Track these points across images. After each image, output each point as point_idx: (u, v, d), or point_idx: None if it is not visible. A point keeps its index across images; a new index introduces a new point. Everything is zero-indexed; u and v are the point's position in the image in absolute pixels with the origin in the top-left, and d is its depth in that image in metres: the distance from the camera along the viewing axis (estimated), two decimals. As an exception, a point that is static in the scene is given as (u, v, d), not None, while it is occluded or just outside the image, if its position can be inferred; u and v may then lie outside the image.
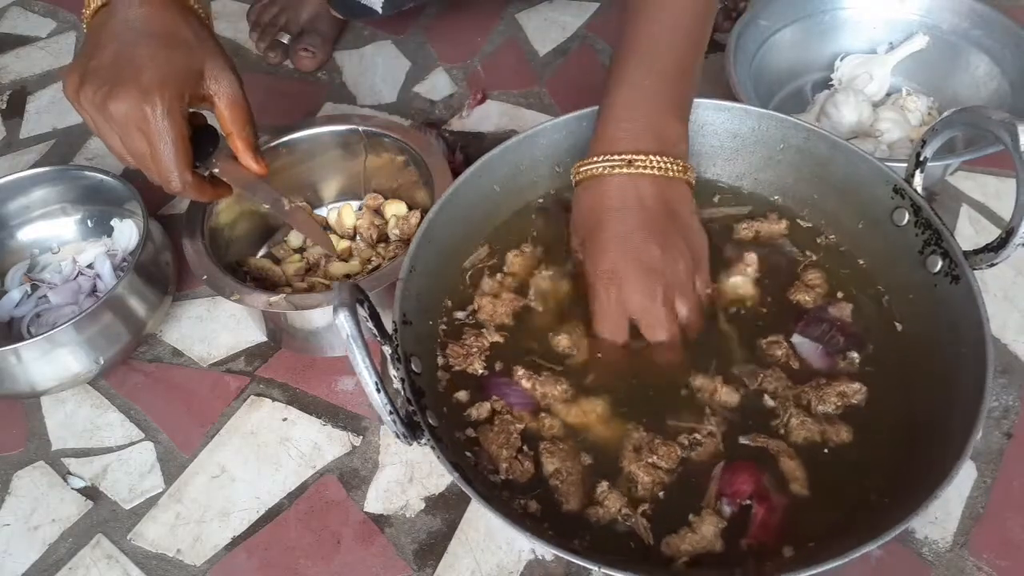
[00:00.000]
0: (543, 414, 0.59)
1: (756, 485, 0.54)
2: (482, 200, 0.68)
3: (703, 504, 0.55)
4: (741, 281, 0.65)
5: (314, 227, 0.72)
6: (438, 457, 0.51)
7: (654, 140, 0.61)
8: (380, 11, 0.95)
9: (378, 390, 0.47)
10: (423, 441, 0.51)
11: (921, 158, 0.60)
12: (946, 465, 0.49)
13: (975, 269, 0.56)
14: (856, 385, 0.58)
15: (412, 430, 0.51)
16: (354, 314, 0.47)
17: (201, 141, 0.64)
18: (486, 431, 0.58)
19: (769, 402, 0.58)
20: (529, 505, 0.55)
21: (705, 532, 0.53)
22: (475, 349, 0.62)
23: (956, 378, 0.55)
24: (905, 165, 0.77)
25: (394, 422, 0.49)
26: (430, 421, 0.54)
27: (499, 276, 0.67)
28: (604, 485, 0.55)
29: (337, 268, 0.77)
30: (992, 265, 0.56)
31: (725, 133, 0.70)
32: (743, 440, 0.57)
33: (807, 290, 0.64)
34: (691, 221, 0.63)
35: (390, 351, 0.55)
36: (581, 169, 0.63)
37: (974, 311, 0.54)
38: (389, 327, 0.56)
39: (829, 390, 0.58)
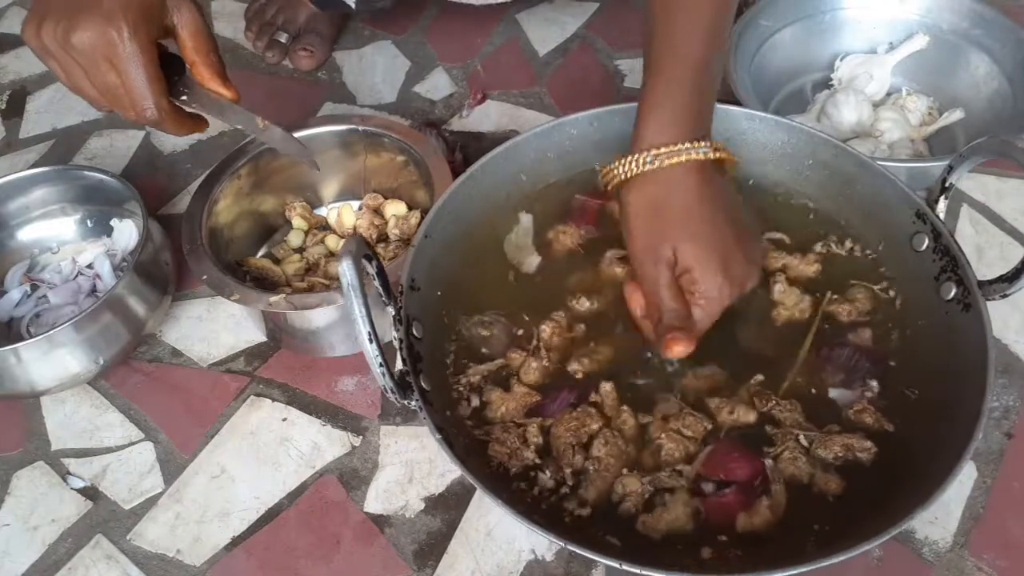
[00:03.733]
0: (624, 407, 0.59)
1: (748, 478, 0.54)
2: (505, 182, 0.68)
3: (682, 481, 0.55)
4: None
5: (293, 142, 0.69)
6: (424, 419, 0.52)
7: (703, 128, 0.59)
8: (352, 5, 0.97)
9: (370, 340, 0.48)
10: (412, 402, 0.53)
11: (947, 184, 0.59)
12: (945, 467, 0.49)
13: (988, 299, 0.55)
14: (868, 443, 0.56)
15: (403, 390, 0.53)
16: (358, 264, 0.48)
17: (166, 71, 0.62)
18: (560, 420, 0.58)
19: (771, 430, 0.57)
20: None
21: (678, 513, 0.53)
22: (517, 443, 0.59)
23: (956, 413, 0.53)
24: (905, 165, 0.78)
25: (383, 375, 0.50)
26: (423, 385, 0.55)
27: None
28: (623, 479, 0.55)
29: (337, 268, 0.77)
30: (1005, 296, 0.55)
31: (755, 144, 0.69)
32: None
33: (844, 303, 0.63)
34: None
35: (393, 312, 0.56)
36: (645, 157, 0.56)
37: (981, 340, 0.54)
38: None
39: (838, 439, 0.56)
